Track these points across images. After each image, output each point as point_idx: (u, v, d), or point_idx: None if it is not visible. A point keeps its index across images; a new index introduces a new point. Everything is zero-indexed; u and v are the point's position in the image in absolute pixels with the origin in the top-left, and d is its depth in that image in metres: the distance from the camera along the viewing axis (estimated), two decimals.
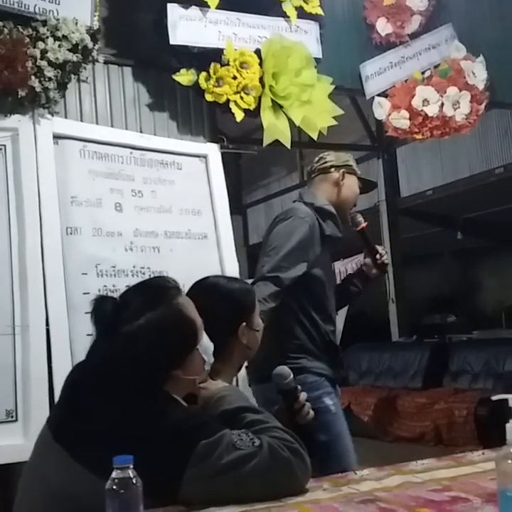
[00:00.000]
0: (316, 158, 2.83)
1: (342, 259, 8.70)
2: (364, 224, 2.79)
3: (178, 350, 1.54)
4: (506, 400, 1.35)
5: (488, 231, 8.64)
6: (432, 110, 3.85)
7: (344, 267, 8.71)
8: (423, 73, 3.99)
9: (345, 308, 8.27)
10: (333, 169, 2.74)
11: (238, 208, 10.83)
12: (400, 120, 3.80)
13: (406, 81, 3.95)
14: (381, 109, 3.88)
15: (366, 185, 2.88)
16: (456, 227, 8.67)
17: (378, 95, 3.89)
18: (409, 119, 3.80)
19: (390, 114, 3.84)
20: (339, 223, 2.71)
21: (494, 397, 1.27)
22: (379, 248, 2.88)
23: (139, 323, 1.50)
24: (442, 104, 3.89)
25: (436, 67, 4.03)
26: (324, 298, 2.67)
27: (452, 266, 9.69)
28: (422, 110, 3.83)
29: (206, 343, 1.61)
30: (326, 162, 2.77)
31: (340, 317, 7.56)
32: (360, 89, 3.91)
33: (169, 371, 1.53)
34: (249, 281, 2.31)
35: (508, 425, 1.11)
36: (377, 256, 2.84)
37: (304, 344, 2.57)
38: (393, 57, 4.01)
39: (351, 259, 8.48)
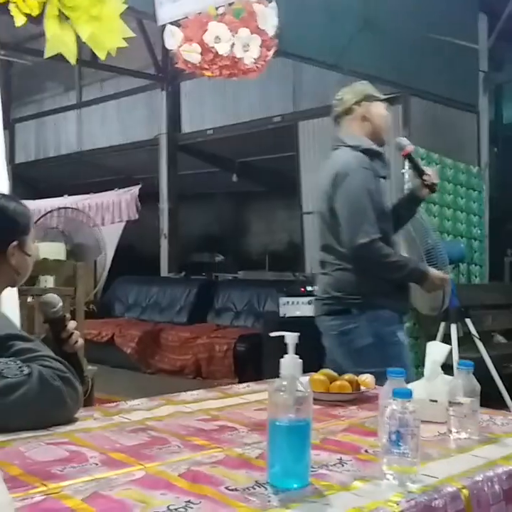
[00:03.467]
0: (335, 102, 2.77)
1: (116, 189, 8.53)
2: (410, 148, 2.76)
3: None
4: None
5: (261, 176, 9.02)
6: (222, 48, 3.81)
7: (118, 198, 8.56)
8: (217, 9, 3.94)
9: (116, 240, 8.19)
10: (355, 106, 2.71)
11: (5, 122, 10.02)
12: (192, 53, 3.71)
13: (200, 13, 3.88)
14: (173, 39, 3.76)
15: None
16: (232, 169, 8.91)
17: (171, 24, 3.78)
18: (201, 54, 3.75)
19: (181, 46, 3.76)
20: (386, 160, 2.71)
21: (272, 334, 1.32)
22: (427, 169, 2.81)
23: None
24: (233, 45, 3.88)
25: (230, 5, 4.00)
26: (390, 233, 2.68)
27: (224, 207, 9.99)
28: (213, 47, 3.78)
29: None
30: (345, 102, 2.73)
31: (110, 248, 7.44)
32: (152, 14, 3.76)
33: None
34: None
35: (282, 360, 1.16)
36: (426, 177, 2.77)
37: (382, 283, 2.59)
38: None
39: (127, 189, 8.35)
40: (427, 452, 1.38)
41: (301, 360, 1.19)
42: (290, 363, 1.17)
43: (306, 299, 4.86)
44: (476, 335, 4.40)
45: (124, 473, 1.15)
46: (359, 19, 4.97)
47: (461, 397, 1.54)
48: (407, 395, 1.23)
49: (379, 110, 2.75)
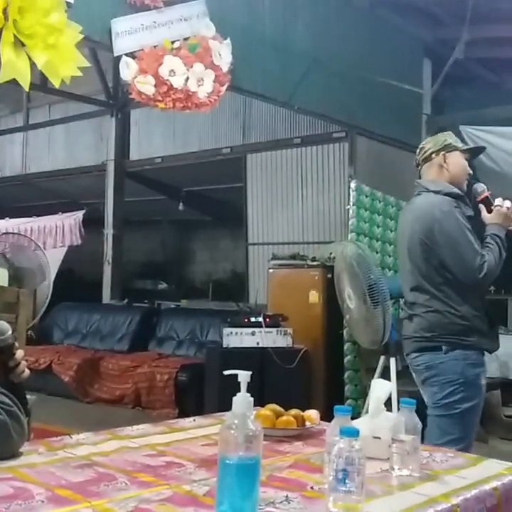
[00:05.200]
0: (417, 150, 2.92)
1: (60, 214, 8.41)
2: (486, 193, 2.83)
3: None
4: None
5: (207, 206, 9.05)
6: (177, 82, 3.89)
7: (61, 222, 8.44)
8: (173, 43, 4.00)
9: (58, 264, 8.05)
10: (433, 155, 2.84)
11: None
12: (146, 85, 3.78)
13: (155, 47, 3.93)
14: (128, 70, 3.81)
15: (474, 151, 3.00)
16: (179, 197, 8.92)
17: (127, 55, 3.82)
18: (155, 86, 3.80)
19: (135, 77, 3.80)
20: (467, 201, 2.79)
21: (226, 372, 1.33)
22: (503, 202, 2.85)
23: None
24: (187, 78, 3.95)
25: (186, 40, 4.07)
26: None
27: (169, 235, 9.97)
28: (167, 80, 3.85)
29: None
30: (425, 152, 2.87)
31: (52, 273, 7.30)
32: (108, 45, 3.80)
33: None
34: None
35: (234, 398, 1.18)
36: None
37: (473, 324, 2.68)
38: (145, 20, 3.96)
39: (71, 214, 8.25)
40: (371, 489, 1.41)
41: (252, 398, 1.21)
42: (242, 400, 1.19)
43: (250, 330, 4.88)
44: None
45: (72, 511, 1.14)
46: (309, 59, 5.11)
47: (404, 435, 1.59)
48: (354, 433, 1.27)
49: (456, 159, 2.86)
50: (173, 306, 7.69)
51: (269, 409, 1.87)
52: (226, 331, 4.88)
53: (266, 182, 6.76)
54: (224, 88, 4.15)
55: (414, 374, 2.87)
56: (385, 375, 4.38)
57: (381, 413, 1.76)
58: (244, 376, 1.23)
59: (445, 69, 6.01)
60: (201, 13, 4.23)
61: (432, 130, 6.71)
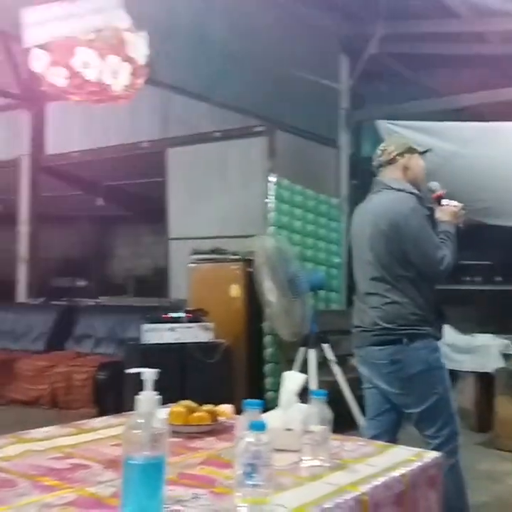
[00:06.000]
0: (379, 152, 3.04)
1: None
2: (440, 191, 3.04)
3: None
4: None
5: (127, 201, 8.90)
6: (91, 74, 3.77)
7: None
8: (86, 35, 3.89)
9: None
10: (398, 157, 2.98)
11: None
12: (58, 78, 3.65)
13: (68, 38, 3.81)
14: (39, 62, 3.67)
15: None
16: (98, 192, 8.74)
17: (38, 46, 3.69)
18: (68, 78, 3.68)
19: (48, 69, 3.67)
20: (424, 202, 2.93)
21: (129, 371, 1.31)
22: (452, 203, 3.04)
23: None
24: (102, 71, 3.85)
25: (100, 31, 3.97)
26: None
27: (88, 231, 9.75)
28: (81, 72, 3.74)
29: None
30: (390, 153, 3.00)
31: None
32: (19, 36, 3.65)
33: None
34: None
35: (138, 397, 1.15)
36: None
37: (427, 314, 2.82)
38: (57, 11, 3.81)
39: None
40: (281, 481, 1.42)
41: (158, 396, 1.19)
42: (147, 399, 1.17)
43: (169, 326, 4.84)
44: (334, 359, 4.57)
45: None
46: (227, 52, 5.10)
47: (314, 426, 1.60)
48: (261, 427, 1.27)
49: (418, 161, 3.03)
50: (92, 304, 7.53)
51: (181, 406, 1.85)
52: (145, 327, 4.82)
53: (187, 176, 6.70)
54: (140, 81, 4.05)
55: (367, 367, 2.93)
56: (305, 366, 4.45)
57: (293, 405, 1.78)
58: (148, 374, 1.20)
59: (361, 64, 6.11)
60: (115, 5, 4.14)
61: (350, 125, 6.84)
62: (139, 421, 1.14)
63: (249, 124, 6.02)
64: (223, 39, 5.10)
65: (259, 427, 1.26)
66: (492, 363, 5.33)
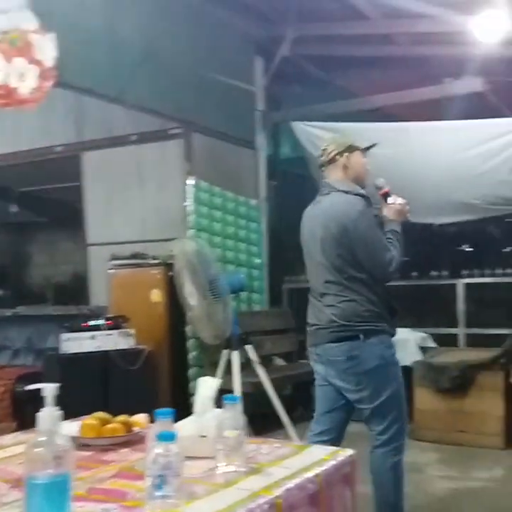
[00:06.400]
0: (320, 152, 3.07)
1: None
2: (386, 189, 3.06)
3: None
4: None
5: (43, 207, 8.65)
6: None
7: None
8: None
9: None
10: (337, 157, 3.00)
11: None
12: None
13: None
14: None
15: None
16: (12, 199, 8.46)
17: None
18: None
19: None
20: (371, 201, 2.96)
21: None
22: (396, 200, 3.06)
23: None
24: (8, 74, 3.73)
25: (5, 33, 3.85)
26: None
27: (3, 239, 9.43)
28: None
29: None
30: (329, 153, 3.02)
31: None
32: None
33: None
34: None
35: (39, 414, 1.12)
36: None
37: (381, 310, 2.90)
38: None
39: None
40: (194, 490, 1.41)
41: (60, 412, 1.16)
42: (48, 416, 1.14)
43: (90, 334, 4.73)
44: (257, 360, 4.59)
45: None
46: (139, 54, 5.03)
47: (228, 431, 1.60)
48: (170, 437, 1.25)
49: (357, 159, 3.04)
50: (8, 314, 7.28)
51: (94, 418, 1.82)
52: (64, 336, 4.70)
53: (104, 180, 6.58)
54: (49, 84, 3.95)
55: (324, 365, 2.99)
56: (229, 368, 4.45)
57: (208, 411, 1.77)
58: (48, 390, 1.17)
59: (275, 66, 6.16)
60: (21, 5, 4.02)
61: (266, 126, 6.89)
62: (40, 439, 1.10)
63: (167, 127, 5.97)
64: (134, 40, 5.03)
65: (167, 437, 1.24)
66: (410, 356, 5.48)
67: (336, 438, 2.96)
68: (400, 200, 3.05)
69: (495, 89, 5.25)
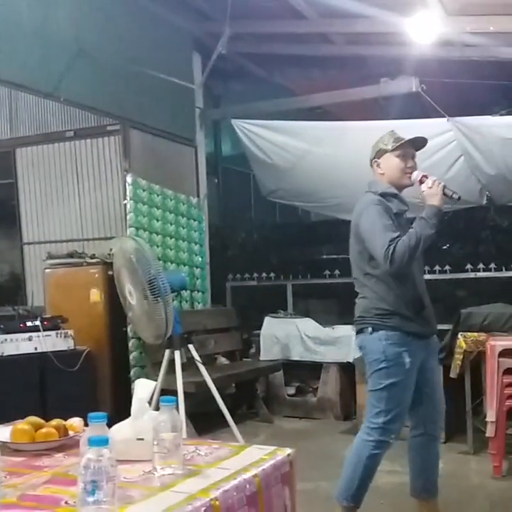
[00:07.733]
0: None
1: None
2: (419, 177, 3.02)
3: None
4: None
5: None
6: None
7: None
8: None
9: None
10: (372, 162, 3.15)
11: None
12: None
13: None
14: None
15: (412, 144, 3.10)
16: None
17: None
18: None
19: None
20: (402, 198, 3.08)
21: None
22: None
23: None
24: None
25: None
26: None
27: None
28: None
29: None
30: (370, 159, 3.16)
31: None
32: None
33: None
34: None
35: None
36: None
37: (398, 309, 2.95)
38: None
39: None
40: (129, 494, 1.38)
41: None
42: None
43: (27, 335, 4.61)
44: (199, 359, 4.56)
45: None
46: (74, 49, 4.91)
47: (165, 433, 1.57)
48: (103, 442, 1.22)
49: (389, 161, 3.10)
50: None
51: (26, 423, 1.76)
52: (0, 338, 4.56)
53: (39, 177, 6.42)
54: None
55: None
56: (171, 367, 4.40)
57: (145, 413, 1.74)
58: None
59: (211, 63, 6.12)
60: None
61: (206, 123, 6.85)
62: None
63: (104, 123, 5.87)
64: (68, 34, 4.92)
65: (99, 442, 1.21)
66: (353, 353, 5.54)
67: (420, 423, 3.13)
68: (429, 183, 2.99)
69: (429, 90, 5.35)
